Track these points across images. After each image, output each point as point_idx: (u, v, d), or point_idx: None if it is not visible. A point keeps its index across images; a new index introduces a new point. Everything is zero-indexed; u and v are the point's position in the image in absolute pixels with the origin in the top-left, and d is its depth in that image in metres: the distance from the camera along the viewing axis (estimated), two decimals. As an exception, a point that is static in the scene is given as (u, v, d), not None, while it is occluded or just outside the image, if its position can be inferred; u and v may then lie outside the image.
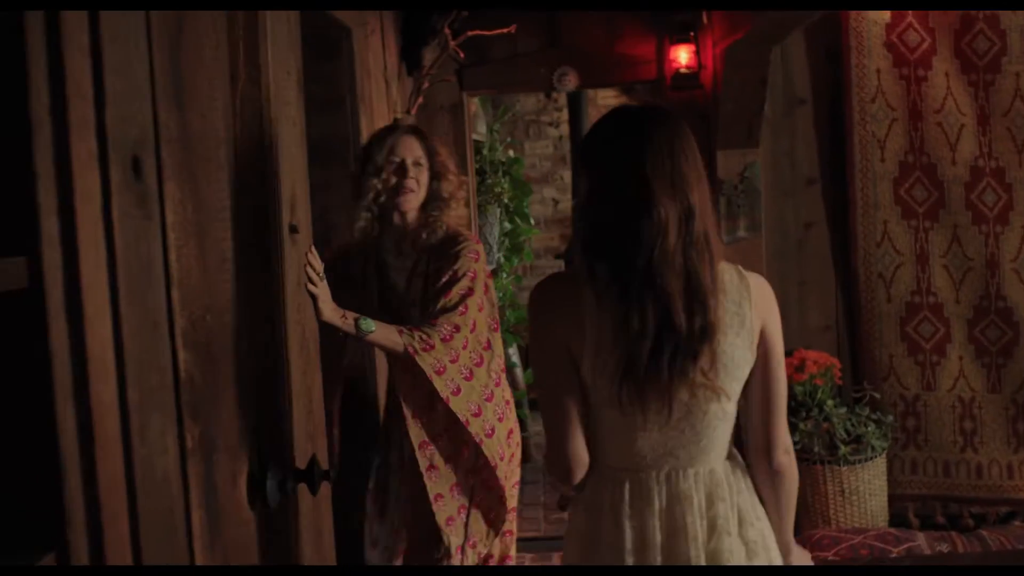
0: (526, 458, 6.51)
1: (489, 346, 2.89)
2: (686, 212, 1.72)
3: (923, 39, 4.51)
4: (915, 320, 4.64)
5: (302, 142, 2.23)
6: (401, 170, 2.86)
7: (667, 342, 1.71)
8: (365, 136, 3.19)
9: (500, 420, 2.92)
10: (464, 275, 2.81)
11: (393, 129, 2.94)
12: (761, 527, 1.91)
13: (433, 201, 2.91)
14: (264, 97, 1.68)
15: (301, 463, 1.80)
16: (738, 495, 1.88)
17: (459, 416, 2.77)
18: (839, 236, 4.74)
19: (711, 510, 1.84)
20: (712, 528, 1.84)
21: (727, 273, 1.83)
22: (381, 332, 2.67)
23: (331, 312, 2.51)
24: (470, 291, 2.82)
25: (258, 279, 1.70)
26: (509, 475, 3.01)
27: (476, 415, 2.81)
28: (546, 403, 1.87)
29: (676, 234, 1.71)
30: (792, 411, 4.55)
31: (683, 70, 4.45)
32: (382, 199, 2.89)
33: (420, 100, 3.96)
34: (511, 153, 6.40)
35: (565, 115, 8.35)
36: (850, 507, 4.41)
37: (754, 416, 1.90)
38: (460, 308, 2.78)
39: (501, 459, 2.90)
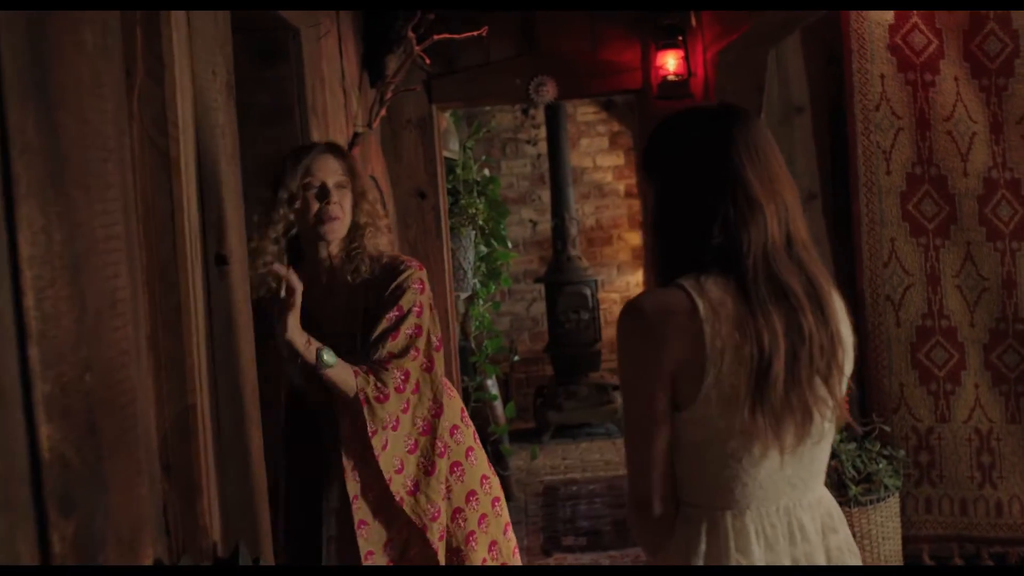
0: (508, 496, 6.21)
1: (417, 389, 2.62)
2: (783, 212, 1.65)
3: (930, 41, 4.27)
4: (927, 346, 4.37)
5: (234, 156, 1.94)
6: (323, 194, 2.55)
7: (800, 354, 1.60)
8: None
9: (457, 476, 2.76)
10: (410, 312, 2.57)
11: (308, 148, 2.62)
12: (858, 560, 1.83)
13: (356, 230, 2.63)
14: (169, 97, 1.39)
15: (224, 549, 1.50)
16: (842, 524, 1.80)
17: (384, 472, 2.53)
18: (842, 255, 4.47)
19: (826, 541, 1.73)
20: (828, 562, 1.73)
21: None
22: (340, 370, 2.44)
23: (298, 332, 2.33)
24: (418, 330, 2.58)
25: (168, 322, 1.40)
26: (491, 528, 2.81)
27: (398, 472, 2.58)
28: (640, 440, 1.67)
29: (781, 235, 1.63)
30: (796, 447, 4.26)
31: (671, 78, 4.19)
32: (293, 231, 2.61)
33: (383, 112, 3.68)
34: (486, 172, 6.13)
35: (543, 132, 8.16)
36: (862, 552, 4.12)
37: None
38: (411, 352, 2.55)
39: (433, 520, 2.63)
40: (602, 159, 8.86)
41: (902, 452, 4.29)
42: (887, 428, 4.34)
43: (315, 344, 2.41)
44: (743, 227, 1.62)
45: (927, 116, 4.29)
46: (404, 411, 2.54)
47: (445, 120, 5.17)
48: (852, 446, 4.17)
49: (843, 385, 1.69)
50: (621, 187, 8.91)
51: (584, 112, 8.87)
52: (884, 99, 4.32)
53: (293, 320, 2.31)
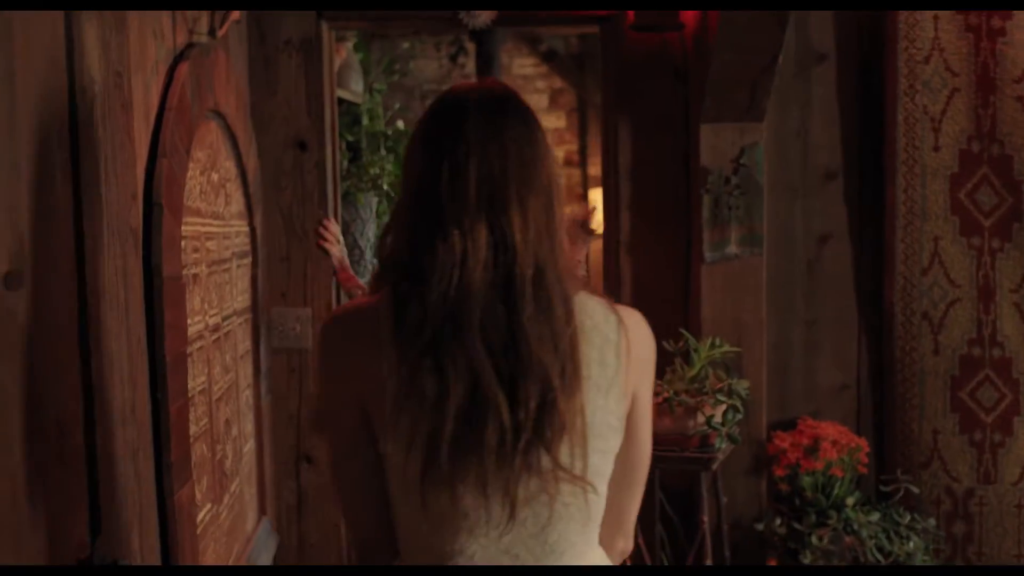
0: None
1: None
2: (501, 236, 1.40)
3: (1003, -27, 3.25)
4: (972, 382, 3.36)
5: None
6: None
7: (478, 420, 1.36)
8: (97, 59, 1.77)
9: None
10: None
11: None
12: None
13: None
14: None
15: None
16: None
17: None
18: (868, 257, 3.44)
19: None
20: None
21: (590, 309, 1.48)
22: None
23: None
24: None
25: None
26: None
27: None
28: (339, 477, 1.53)
29: (481, 272, 1.38)
30: (796, 514, 3.25)
31: None
32: None
33: (235, 16, 2.53)
34: (400, 124, 4.99)
35: None
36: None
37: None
38: None
39: None
40: (541, 120, 7.78)
41: (932, 521, 3.30)
42: (915, 489, 3.34)
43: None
44: (425, 250, 1.40)
45: (992, 75, 3.28)
46: None
47: (344, 51, 4.02)
48: (875, 517, 3.16)
49: (580, 447, 1.42)
50: (561, 153, 7.86)
51: (522, 64, 7.84)
52: (936, 49, 3.29)
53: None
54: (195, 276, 2.33)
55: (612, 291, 3.37)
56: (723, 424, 2.92)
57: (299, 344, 3.26)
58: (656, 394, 3.03)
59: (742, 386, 2.93)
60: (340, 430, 1.48)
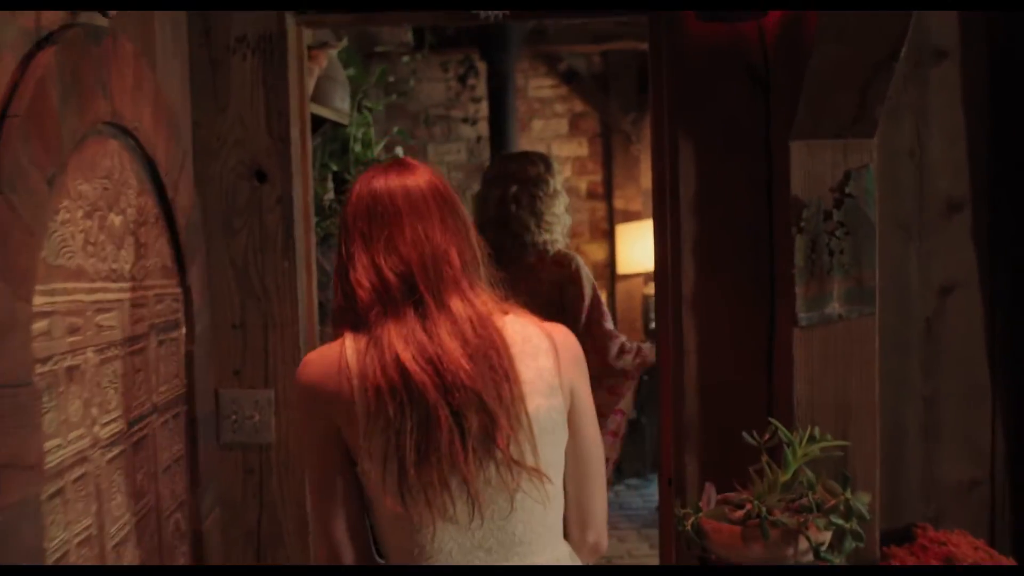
0: None
1: None
2: (410, 278, 1.67)
3: None
4: None
5: None
6: None
7: (437, 423, 1.59)
8: None
9: None
10: None
11: None
12: None
13: None
14: None
15: None
16: None
17: None
18: (1004, 313, 2.64)
19: None
20: None
21: (519, 325, 1.73)
22: None
23: None
24: None
25: None
26: None
27: None
28: (319, 500, 1.71)
29: (399, 308, 1.66)
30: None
31: (729, -22, 2.33)
32: None
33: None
34: (399, 151, 4.25)
35: (485, 109, 6.65)
36: None
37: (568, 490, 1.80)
38: None
39: None
40: (560, 147, 7.10)
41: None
42: (1073, 619, 2.54)
43: None
44: (355, 300, 1.67)
45: None
46: None
47: (326, 59, 3.26)
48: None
49: (531, 453, 1.64)
50: (583, 185, 7.14)
51: (539, 85, 7.17)
52: (1095, 40, 2.52)
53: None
54: (72, 371, 1.55)
55: (673, 361, 2.60)
56: (835, 554, 2.13)
57: (258, 437, 2.47)
58: (738, 506, 2.27)
59: (863, 502, 2.13)
60: (320, 460, 1.68)
